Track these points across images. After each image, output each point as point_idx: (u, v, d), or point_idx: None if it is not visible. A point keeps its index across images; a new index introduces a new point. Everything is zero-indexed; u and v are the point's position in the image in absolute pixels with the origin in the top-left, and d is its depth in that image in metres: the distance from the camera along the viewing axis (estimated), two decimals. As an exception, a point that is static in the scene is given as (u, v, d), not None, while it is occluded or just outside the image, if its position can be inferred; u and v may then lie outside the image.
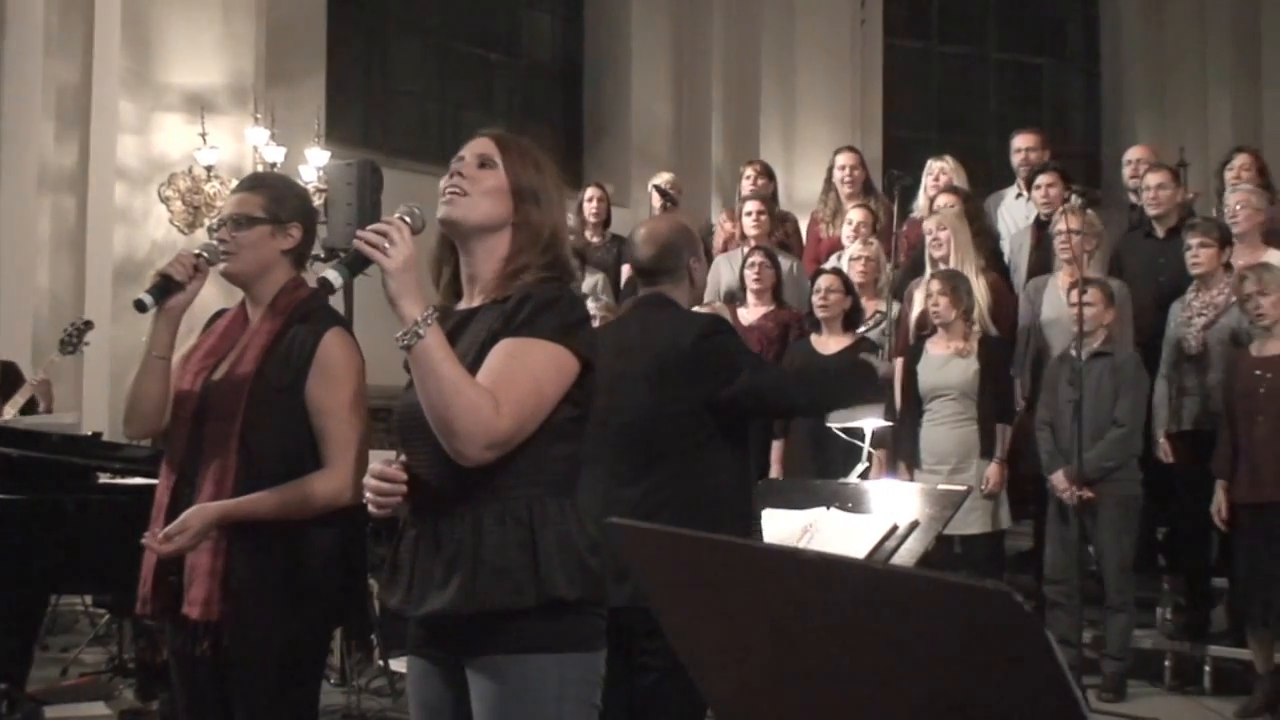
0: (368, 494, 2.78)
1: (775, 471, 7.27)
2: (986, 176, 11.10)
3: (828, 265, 8.28)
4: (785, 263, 8.40)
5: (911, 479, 6.95)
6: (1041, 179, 8.38)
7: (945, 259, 7.62)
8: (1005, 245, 8.70)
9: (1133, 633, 7.11)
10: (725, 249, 8.92)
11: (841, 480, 5.04)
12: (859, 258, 8.05)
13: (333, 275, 2.67)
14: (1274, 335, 6.52)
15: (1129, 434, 6.94)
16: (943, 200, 8.31)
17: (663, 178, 9.69)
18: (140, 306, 3.51)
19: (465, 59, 13.12)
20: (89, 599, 7.94)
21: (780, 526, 4.39)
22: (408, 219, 2.71)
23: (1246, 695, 6.70)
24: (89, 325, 7.05)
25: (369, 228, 2.68)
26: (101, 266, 9.61)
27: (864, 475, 5.10)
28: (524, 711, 2.73)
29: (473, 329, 2.83)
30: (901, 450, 7.18)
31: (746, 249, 8.38)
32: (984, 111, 15.06)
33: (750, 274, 7.96)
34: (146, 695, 6.31)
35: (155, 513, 3.50)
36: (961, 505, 4.53)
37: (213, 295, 3.86)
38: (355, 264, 2.69)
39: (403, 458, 2.85)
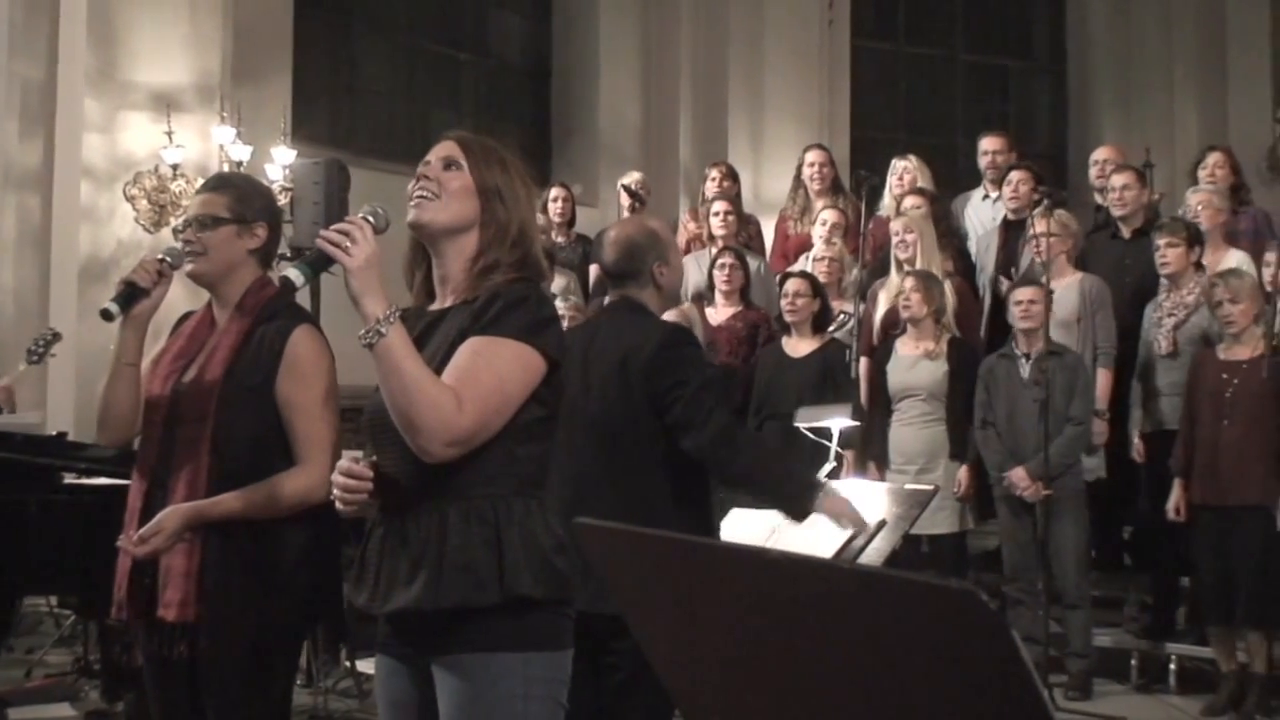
0: (335, 491, 2.80)
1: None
2: (953, 177, 11.15)
3: (795, 268, 8.29)
4: (753, 263, 8.41)
5: (880, 479, 6.98)
6: (1013, 175, 8.42)
7: (911, 260, 7.64)
8: (972, 245, 8.74)
9: (1093, 629, 7.15)
10: (689, 250, 8.92)
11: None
12: (823, 258, 8.08)
13: (294, 274, 2.68)
14: (1242, 340, 6.56)
15: (1085, 431, 7.00)
16: (909, 201, 8.33)
17: (631, 178, 9.69)
18: (106, 316, 3.51)
19: (433, 58, 13.09)
20: (54, 600, 7.88)
21: (748, 526, 4.39)
22: (371, 219, 2.73)
23: (1211, 694, 6.74)
24: (57, 336, 6.99)
25: (332, 227, 2.70)
26: (66, 265, 9.55)
27: (832, 475, 5.11)
28: (489, 709, 2.74)
29: (443, 329, 2.85)
30: (870, 450, 7.20)
31: (715, 250, 8.39)
32: (951, 112, 15.10)
33: (720, 275, 7.97)
34: (112, 697, 6.27)
35: (128, 517, 3.49)
36: (928, 505, 4.54)
37: (180, 297, 3.84)
38: (318, 263, 2.70)
39: (373, 457, 2.85)
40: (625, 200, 9.33)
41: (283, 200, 9.27)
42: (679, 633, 1.69)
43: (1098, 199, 8.88)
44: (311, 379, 3.50)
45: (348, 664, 6.87)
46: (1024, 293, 7.03)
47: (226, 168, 9.41)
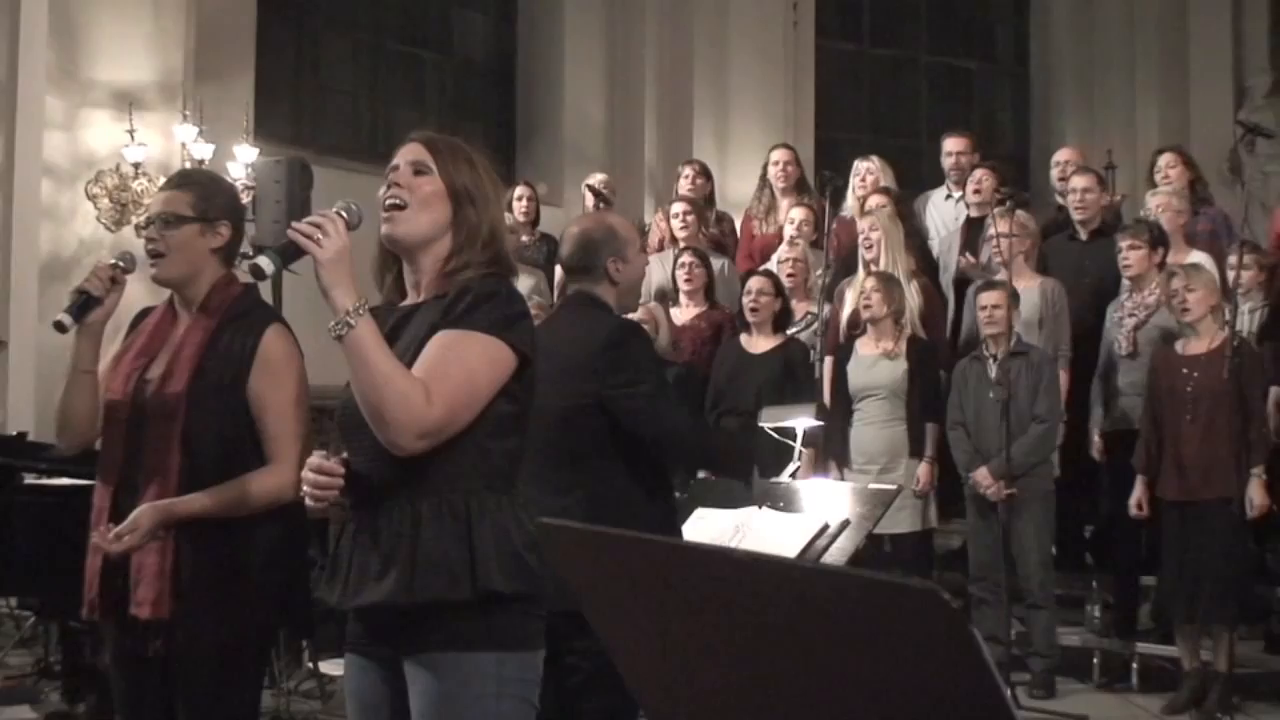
0: (305, 488, 2.80)
1: (707, 471, 7.28)
2: (917, 178, 11.19)
3: (760, 267, 8.31)
4: (717, 263, 8.42)
5: (842, 478, 6.99)
6: (977, 173, 8.47)
7: (876, 260, 7.66)
8: (934, 244, 8.77)
9: (1057, 628, 7.19)
10: (661, 249, 8.93)
11: (773, 480, 5.05)
12: (787, 259, 8.09)
13: (265, 262, 2.69)
14: (1200, 334, 6.60)
15: (1050, 429, 7.04)
16: (875, 200, 8.36)
17: (596, 177, 9.69)
18: (60, 328, 3.49)
19: (397, 56, 13.05)
20: (13, 601, 7.83)
21: (712, 526, 4.40)
22: (344, 214, 2.74)
23: (1173, 692, 6.78)
24: (3, 345, 6.93)
25: (304, 219, 2.72)
26: (27, 264, 9.48)
27: (795, 475, 5.12)
28: (462, 708, 2.74)
29: (414, 324, 2.85)
30: (832, 450, 7.21)
31: (678, 249, 8.40)
32: (915, 113, 15.15)
33: (681, 274, 7.99)
34: (73, 699, 6.22)
35: (96, 516, 3.47)
36: (891, 504, 4.56)
37: (140, 293, 3.82)
38: (288, 253, 2.71)
39: (344, 454, 2.85)
40: (590, 200, 9.34)
41: (245, 199, 9.23)
42: (643, 633, 1.69)
43: (1059, 200, 8.94)
44: (284, 378, 3.49)
45: (310, 665, 6.84)
46: (987, 297, 7.06)
47: (189, 166, 9.36)
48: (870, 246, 7.73)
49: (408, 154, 2.92)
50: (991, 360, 7.04)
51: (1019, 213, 7.51)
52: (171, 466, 3.38)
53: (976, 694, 1.22)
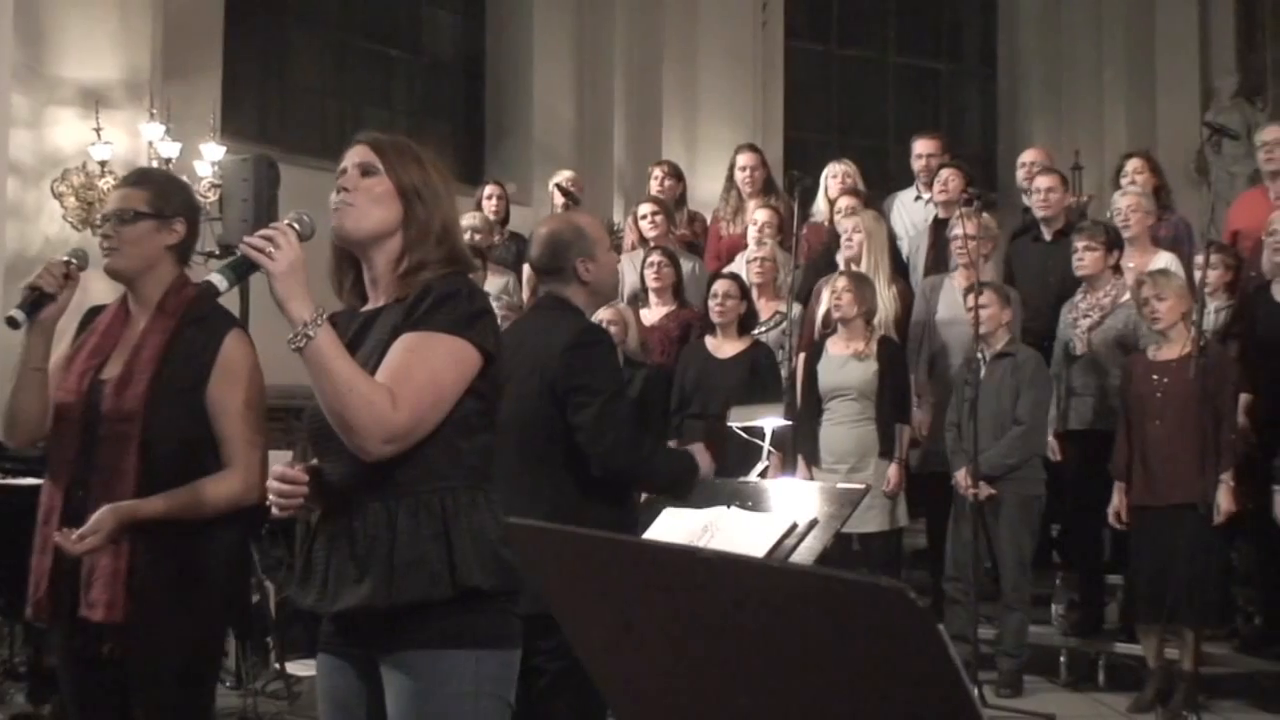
0: (270, 495, 2.79)
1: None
2: (885, 179, 11.22)
3: (729, 268, 8.31)
4: (687, 263, 8.43)
5: (811, 478, 7.00)
6: (944, 173, 8.48)
7: (857, 260, 7.68)
8: (903, 245, 8.79)
9: (1028, 629, 7.21)
10: (633, 249, 8.93)
11: (741, 479, 5.04)
12: (756, 258, 8.09)
13: (217, 279, 2.68)
14: (1170, 339, 6.62)
15: (1030, 431, 7.05)
16: (846, 202, 8.38)
17: (564, 176, 9.68)
18: (12, 323, 3.47)
19: (365, 55, 13.01)
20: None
21: (680, 525, 4.39)
22: (296, 225, 2.73)
23: (1139, 690, 6.82)
24: None
25: (257, 233, 2.70)
26: (-8, 263, 9.42)
27: (764, 474, 5.12)
28: (439, 707, 2.74)
29: (377, 329, 2.85)
30: (801, 449, 7.22)
31: (647, 249, 8.39)
32: (883, 114, 15.19)
33: (650, 273, 7.98)
34: (38, 699, 6.19)
35: (46, 516, 3.45)
36: (860, 504, 4.56)
37: (102, 291, 3.79)
38: (241, 268, 2.70)
39: (312, 460, 2.86)
40: (559, 199, 9.32)
41: (211, 197, 9.20)
42: (611, 632, 1.69)
43: (1024, 201, 8.98)
44: (244, 383, 3.50)
45: (277, 665, 6.82)
46: (973, 300, 7.04)
47: (155, 164, 9.30)
48: (851, 246, 7.74)
49: (354, 156, 2.92)
50: (980, 361, 7.06)
51: (984, 215, 7.53)
52: (128, 468, 3.36)
53: (943, 692, 1.23)
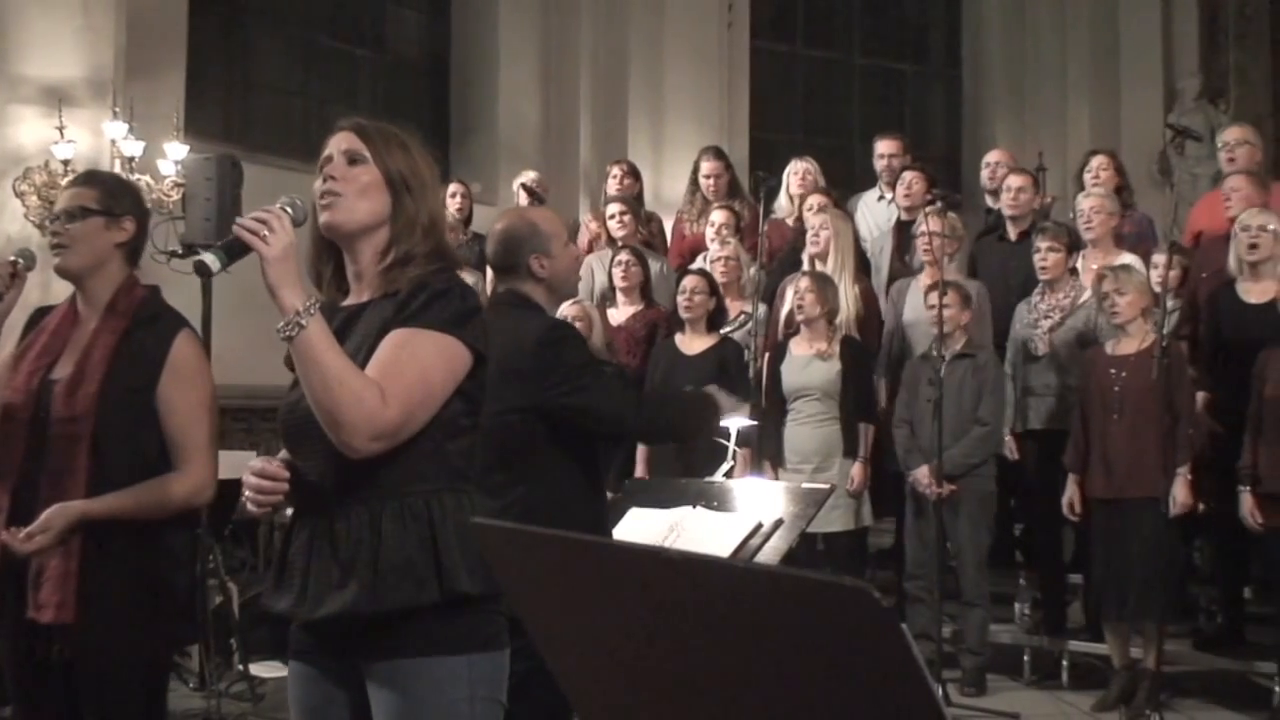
0: (247, 492, 2.71)
1: (641, 471, 7.29)
2: (850, 179, 11.25)
3: (693, 266, 8.32)
4: (655, 263, 8.43)
5: (776, 478, 7.02)
6: (907, 175, 8.53)
7: (824, 257, 7.70)
8: (866, 246, 8.82)
9: (989, 627, 7.24)
10: (591, 249, 8.92)
11: (707, 479, 5.05)
12: (720, 258, 8.10)
13: (210, 259, 2.61)
14: (1129, 334, 6.66)
15: (991, 432, 7.09)
16: (816, 200, 8.40)
17: (529, 176, 9.67)
18: None
19: (329, 53, 12.95)
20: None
21: (646, 526, 4.39)
22: (289, 209, 2.66)
23: (1103, 689, 6.85)
24: None
25: (249, 215, 2.63)
26: (-48, 262, 9.34)
27: (729, 474, 5.12)
28: (433, 715, 2.67)
29: (364, 323, 2.77)
30: (766, 449, 7.24)
31: (616, 248, 8.39)
32: (848, 115, 15.22)
33: (618, 272, 7.99)
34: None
35: None
36: (824, 503, 4.57)
37: (63, 292, 3.77)
38: (233, 250, 2.62)
39: (281, 455, 2.80)
40: (524, 199, 9.31)
41: (175, 196, 9.15)
42: (576, 633, 1.69)
43: (988, 201, 9.02)
44: (196, 383, 3.50)
45: (241, 667, 6.79)
46: (936, 297, 7.08)
47: (119, 163, 9.26)
48: (818, 244, 7.76)
49: (340, 143, 2.82)
50: (941, 360, 7.08)
51: (950, 214, 7.56)
52: (78, 469, 3.35)
53: (907, 691, 1.23)
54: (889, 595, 6.79)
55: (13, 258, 3.54)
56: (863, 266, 8.32)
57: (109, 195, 3.57)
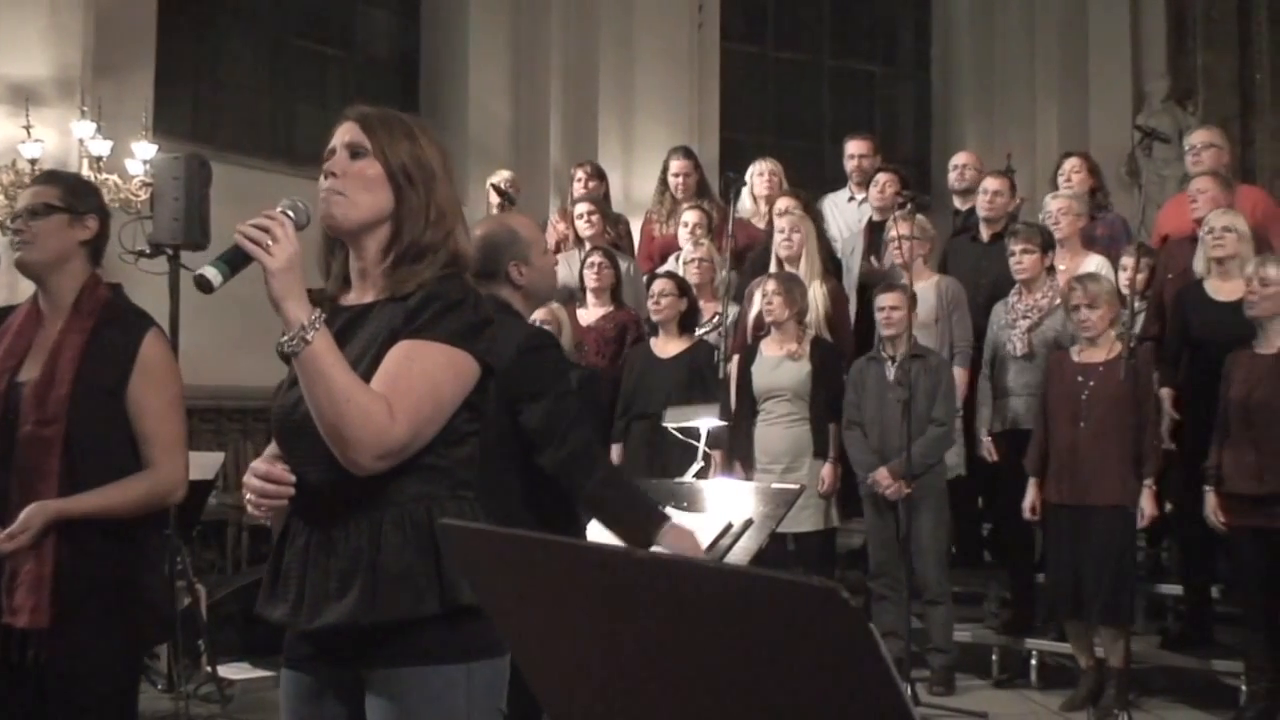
0: (249, 495, 2.63)
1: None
2: (820, 180, 11.26)
3: (665, 268, 8.33)
4: (624, 264, 8.43)
5: (746, 478, 7.03)
6: (880, 177, 8.55)
7: (794, 258, 7.71)
8: (837, 246, 8.84)
9: (954, 624, 7.27)
10: (558, 250, 8.92)
11: (678, 479, 5.06)
12: (693, 259, 8.11)
13: (211, 273, 2.46)
14: (1097, 342, 6.69)
15: (948, 432, 7.14)
16: (784, 202, 8.41)
17: (500, 176, 9.66)
18: None
19: (299, 52, 12.90)
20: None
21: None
22: (290, 213, 2.54)
23: (1071, 688, 6.88)
24: None
25: (250, 222, 2.49)
26: (-83, 261, 9.28)
27: (700, 474, 5.13)
28: None
29: (370, 327, 2.67)
30: (736, 450, 7.25)
31: (585, 250, 8.39)
32: (818, 116, 15.24)
33: (589, 274, 7.99)
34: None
35: None
36: (794, 504, 4.58)
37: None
38: (235, 261, 2.48)
39: (271, 451, 2.73)
40: (494, 199, 9.29)
41: (143, 196, 9.10)
42: (544, 634, 1.69)
43: (956, 202, 9.05)
44: (166, 383, 3.49)
45: (209, 669, 6.76)
46: (886, 299, 7.14)
47: (86, 162, 9.22)
48: (789, 245, 7.77)
49: (343, 135, 2.70)
50: (890, 362, 7.12)
51: (919, 216, 7.59)
52: (49, 471, 3.33)
53: (875, 691, 1.23)
54: (858, 595, 6.82)
55: None
56: (833, 266, 8.34)
57: (71, 193, 3.56)
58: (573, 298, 8.14)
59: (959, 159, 9.25)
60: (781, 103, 15.22)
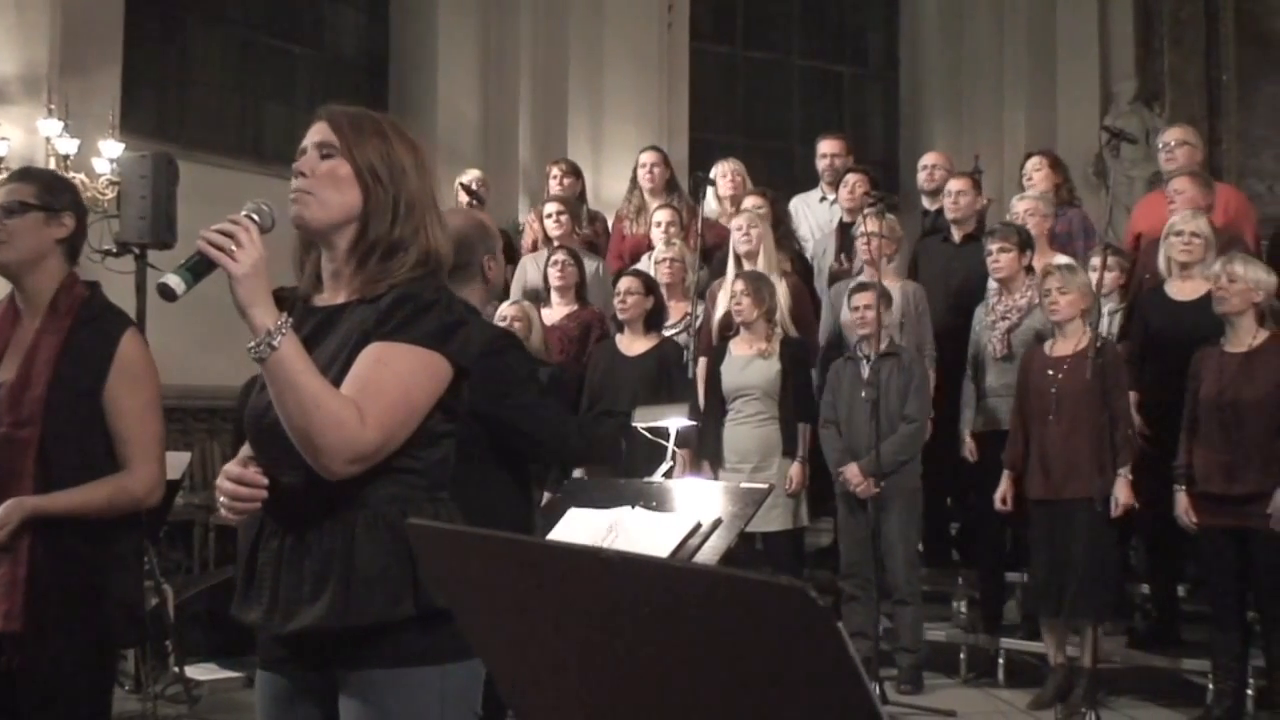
0: (222, 499, 2.60)
1: (580, 471, 7.27)
2: (789, 180, 11.28)
3: (636, 266, 8.32)
4: (591, 263, 8.42)
5: (715, 477, 7.03)
6: (850, 177, 8.56)
7: (753, 256, 7.71)
8: (808, 246, 8.85)
9: (924, 624, 7.29)
10: (535, 249, 8.91)
11: (646, 479, 5.05)
12: (664, 259, 8.11)
13: (174, 281, 2.42)
14: (1066, 335, 6.71)
15: (920, 429, 7.16)
16: (751, 201, 8.42)
17: (469, 175, 9.65)
18: None
19: (267, 51, 12.85)
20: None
21: (585, 526, 4.38)
22: (255, 216, 2.51)
23: (1038, 687, 6.91)
24: None
25: (213, 227, 2.45)
26: (-119, 261, 9.19)
27: (668, 474, 5.12)
28: None
29: (342, 329, 2.64)
30: (705, 449, 7.25)
31: (551, 248, 8.39)
32: (787, 116, 15.26)
33: (553, 272, 7.99)
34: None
35: None
36: (763, 503, 4.58)
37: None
38: (199, 269, 2.43)
39: (245, 453, 2.70)
40: (463, 198, 9.28)
41: (110, 195, 9.06)
42: (512, 634, 1.68)
43: (924, 203, 9.07)
44: (143, 382, 3.46)
45: (176, 669, 6.73)
46: (860, 298, 7.15)
47: (53, 161, 9.18)
48: (749, 242, 7.77)
49: (314, 135, 2.68)
50: (865, 361, 7.13)
51: (888, 216, 7.61)
52: (24, 472, 3.31)
53: (843, 690, 1.23)
54: (827, 594, 6.83)
55: None
56: (800, 267, 8.35)
57: (47, 191, 3.52)
58: (539, 296, 8.13)
59: (928, 159, 9.28)
60: (751, 103, 15.23)
